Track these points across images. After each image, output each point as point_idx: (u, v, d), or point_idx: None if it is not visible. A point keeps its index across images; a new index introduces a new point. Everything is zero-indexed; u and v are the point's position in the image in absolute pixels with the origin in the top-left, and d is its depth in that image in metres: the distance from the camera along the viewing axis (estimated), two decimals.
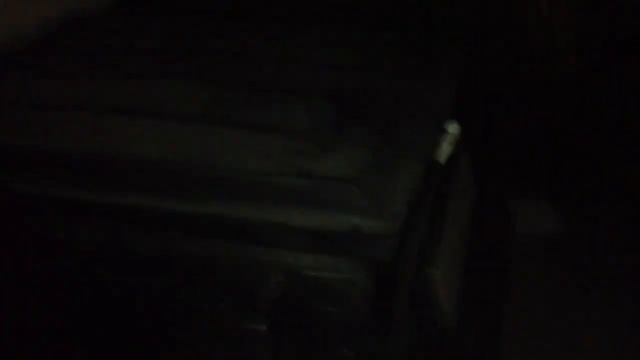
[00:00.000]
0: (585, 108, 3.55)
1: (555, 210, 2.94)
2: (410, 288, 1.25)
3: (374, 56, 1.65)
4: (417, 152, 1.33)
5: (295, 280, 1.05)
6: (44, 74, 1.54)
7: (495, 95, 2.42)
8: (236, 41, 1.72)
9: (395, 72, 1.59)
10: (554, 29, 3.00)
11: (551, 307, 2.37)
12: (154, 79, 1.48)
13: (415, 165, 1.29)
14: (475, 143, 1.99)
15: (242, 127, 1.26)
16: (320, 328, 1.10)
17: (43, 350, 1.35)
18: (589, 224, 2.83)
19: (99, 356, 1.31)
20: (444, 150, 1.50)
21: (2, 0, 1.79)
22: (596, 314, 2.29)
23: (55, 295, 1.29)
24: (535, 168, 3.07)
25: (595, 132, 3.29)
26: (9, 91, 1.46)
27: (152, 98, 1.39)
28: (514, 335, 2.08)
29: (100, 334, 1.28)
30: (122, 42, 1.72)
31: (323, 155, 1.19)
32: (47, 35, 1.79)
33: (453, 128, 1.52)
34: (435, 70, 1.69)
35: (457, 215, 1.64)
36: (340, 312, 1.07)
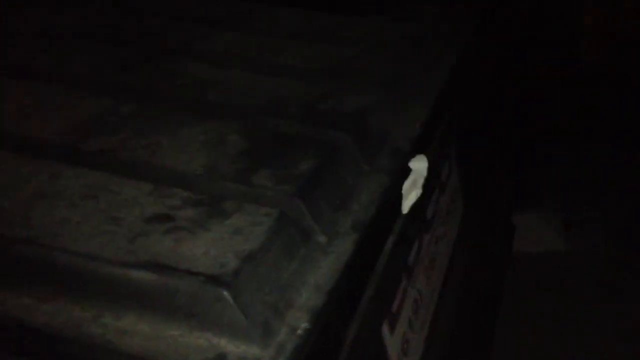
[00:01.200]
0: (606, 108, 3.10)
1: (559, 226, 2.56)
2: None
3: (348, 56, 1.23)
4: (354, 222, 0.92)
5: None
6: None
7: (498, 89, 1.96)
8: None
9: (371, 80, 1.17)
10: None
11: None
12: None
13: (349, 244, 0.88)
14: (472, 145, 1.58)
15: (106, 165, 0.86)
16: None
17: None
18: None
19: None
20: (408, 197, 1.08)
21: None
22: None
23: None
24: (547, 176, 2.66)
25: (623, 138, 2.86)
26: None
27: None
28: None
29: None
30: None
31: (203, 227, 0.79)
32: None
33: (419, 165, 1.09)
34: (425, 79, 1.26)
35: (429, 253, 1.25)
36: None
